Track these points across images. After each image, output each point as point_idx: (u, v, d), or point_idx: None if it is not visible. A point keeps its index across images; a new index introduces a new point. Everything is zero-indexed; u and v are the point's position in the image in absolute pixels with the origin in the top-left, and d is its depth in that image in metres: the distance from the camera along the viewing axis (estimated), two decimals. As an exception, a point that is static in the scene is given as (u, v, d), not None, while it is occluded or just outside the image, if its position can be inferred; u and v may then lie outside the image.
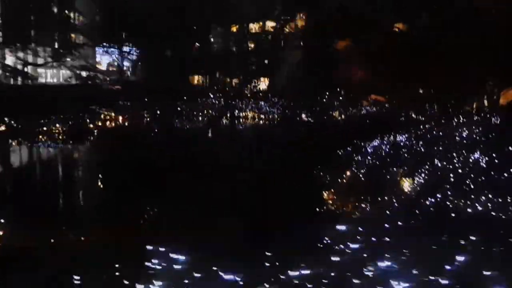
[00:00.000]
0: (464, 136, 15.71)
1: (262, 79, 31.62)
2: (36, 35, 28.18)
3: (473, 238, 6.64)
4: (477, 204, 9.63)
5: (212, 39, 34.72)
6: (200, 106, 26.38)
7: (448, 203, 9.86)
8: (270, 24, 33.75)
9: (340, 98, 26.84)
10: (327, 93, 27.08)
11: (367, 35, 24.42)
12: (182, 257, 6.18)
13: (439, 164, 12.93)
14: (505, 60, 19.52)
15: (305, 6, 30.72)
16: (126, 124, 26.25)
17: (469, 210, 9.24)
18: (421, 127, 18.42)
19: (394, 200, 10.64)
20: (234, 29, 34.80)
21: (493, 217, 8.60)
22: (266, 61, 33.98)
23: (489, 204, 9.59)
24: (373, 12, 25.11)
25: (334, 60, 27.12)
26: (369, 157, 15.12)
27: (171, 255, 6.24)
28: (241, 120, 25.83)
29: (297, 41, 31.18)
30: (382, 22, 25.75)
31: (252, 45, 34.21)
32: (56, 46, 29.87)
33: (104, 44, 33.46)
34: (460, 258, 5.12)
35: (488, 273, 4.67)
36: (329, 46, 28.12)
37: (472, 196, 10.13)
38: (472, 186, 10.89)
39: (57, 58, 28.10)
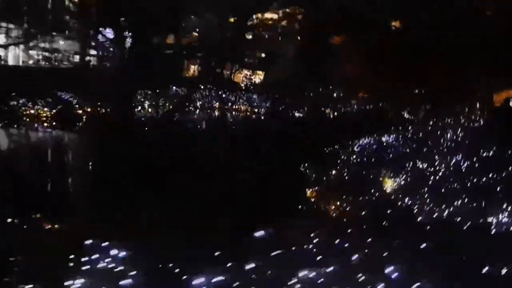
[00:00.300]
0: (449, 138, 15.48)
1: (255, 72, 31.27)
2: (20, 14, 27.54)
3: (425, 245, 6.42)
4: (447, 209, 9.44)
5: (208, 29, 34.30)
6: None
7: (417, 207, 9.67)
8: (268, 17, 33.40)
9: (334, 94, 26.54)
10: (320, 89, 26.77)
11: (366, 34, 24.09)
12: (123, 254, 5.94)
13: (418, 167, 12.73)
14: (505, 60, 19.18)
15: (305, 2, 30.34)
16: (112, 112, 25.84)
17: (437, 214, 9.03)
18: (409, 127, 18.18)
19: (365, 202, 10.43)
20: (231, 20, 34.34)
21: (459, 223, 8.38)
22: (262, 55, 33.61)
23: (459, 210, 9.39)
24: (372, 12, 24.74)
25: (330, 57, 26.77)
26: (349, 158, 14.94)
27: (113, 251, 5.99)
28: (230, 112, 25.50)
29: (294, 36, 30.83)
30: (381, 21, 25.41)
31: (250, 37, 33.83)
32: (46, 27, 29.22)
33: (98, 29, 32.72)
34: (397, 267, 4.89)
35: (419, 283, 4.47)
36: (327, 43, 27.76)
37: (444, 201, 9.93)
38: (446, 190, 10.69)
39: (32, 38, 27.38)
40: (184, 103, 23.99)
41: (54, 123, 22.90)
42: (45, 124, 23.65)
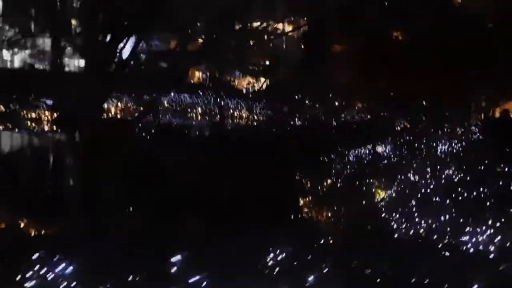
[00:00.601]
0: (441, 150, 15.20)
1: (256, 78, 31.03)
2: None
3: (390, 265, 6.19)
4: (427, 226, 9.18)
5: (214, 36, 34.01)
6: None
7: (397, 222, 9.41)
8: (271, 24, 33.17)
9: (335, 103, 26.23)
10: (320, 97, 26.46)
11: (367, 40, 23.70)
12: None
13: (406, 180, 12.48)
14: (504, 71, 18.80)
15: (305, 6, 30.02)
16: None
17: (415, 231, 8.77)
18: (404, 137, 17.88)
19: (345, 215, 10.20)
20: (237, 27, 34.01)
21: (434, 241, 8.12)
22: (266, 62, 33.31)
23: (439, 226, 9.14)
24: (372, 13, 24.32)
25: (331, 63, 26.44)
26: (339, 168, 14.70)
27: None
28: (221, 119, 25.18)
29: (295, 42, 30.58)
30: (381, 28, 25.03)
31: (253, 44, 33.49)
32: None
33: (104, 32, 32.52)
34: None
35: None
36: (327, 48, 27.40)
37: (426, 217, 9.68)
38: (430, 205, 10.43)
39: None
40: (152, 106, 23.56)
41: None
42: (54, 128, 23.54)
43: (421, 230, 8.86)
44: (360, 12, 22.49)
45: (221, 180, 12.89)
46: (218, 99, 25.81)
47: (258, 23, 29.81)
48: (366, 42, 21.43)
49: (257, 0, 28.49)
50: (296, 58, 26.72)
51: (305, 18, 27.93)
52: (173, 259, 4.48)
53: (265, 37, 30.62)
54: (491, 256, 7.72)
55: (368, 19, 22.67)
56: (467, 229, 9.18)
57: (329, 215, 11.02)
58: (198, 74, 32.43)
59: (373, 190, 12.36)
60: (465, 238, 8.81)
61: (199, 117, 24.90)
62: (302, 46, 27.09)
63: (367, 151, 16.39)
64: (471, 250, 8.05)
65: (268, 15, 30.31)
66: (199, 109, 25.31)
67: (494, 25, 20.66)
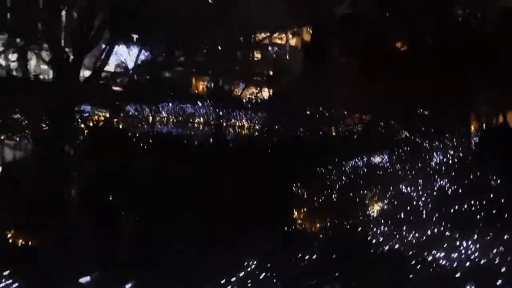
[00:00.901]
0: (438, 161, 14.83)
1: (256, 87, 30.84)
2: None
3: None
4: (406, 240, 8.89)
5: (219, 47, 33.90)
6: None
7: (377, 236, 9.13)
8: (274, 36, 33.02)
9: (333, 113, 25.86)
10: (321, 108, 26.13)
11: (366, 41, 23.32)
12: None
13: (395, 193, 12.13)
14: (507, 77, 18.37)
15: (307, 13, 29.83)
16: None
17: (391, 246, 8.48)
18: (403, 148, 17.45)
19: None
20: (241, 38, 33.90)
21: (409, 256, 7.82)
22: (270, 72, 33.10)
23: (418, 241, 8.84)
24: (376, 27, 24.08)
25: (332, 73, 26.14)
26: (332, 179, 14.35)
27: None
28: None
29: (297, 52, 30.40)
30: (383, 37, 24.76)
31: (258, 55, 33.36)
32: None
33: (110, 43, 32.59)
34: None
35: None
36: (330, 56, 27.12)
37: (408, 231, 9.39)
38: (414, 220, 10.12)
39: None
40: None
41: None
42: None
43: (398, 243, 8.55)
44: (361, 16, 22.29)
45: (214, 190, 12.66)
46: (217, 109, 25.57)
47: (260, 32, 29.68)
48: (366, 47, 21.20)
49: (257, 7, 28.30)
50: (296, 67, 26.52)
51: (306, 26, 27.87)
52: (82, 280, 4.28)
53: (267, 45, 30.53)
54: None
55: (368, 20, 22.49)
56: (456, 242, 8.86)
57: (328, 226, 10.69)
58: (201, 84, 32.37)
59: (368, 200, 12.03)
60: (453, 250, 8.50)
61: (198, 127, 24.69)
62: (302, 54, 26.92)
63: (366, 160, 16.01)
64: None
65: (269, 22, 30.12)
66: (201, 118, 25.10)
67: (494, 25, 20.36)
